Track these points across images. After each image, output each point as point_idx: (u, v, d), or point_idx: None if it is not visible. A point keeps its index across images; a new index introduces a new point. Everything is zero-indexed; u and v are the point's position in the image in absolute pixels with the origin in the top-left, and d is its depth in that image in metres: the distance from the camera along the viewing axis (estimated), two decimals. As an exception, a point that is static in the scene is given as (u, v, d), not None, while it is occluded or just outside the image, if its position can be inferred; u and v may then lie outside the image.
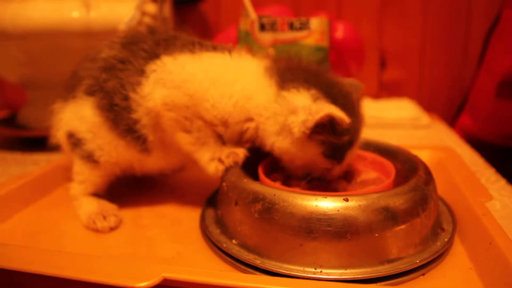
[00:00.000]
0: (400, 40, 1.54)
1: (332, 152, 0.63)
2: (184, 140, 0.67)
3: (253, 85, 0.66)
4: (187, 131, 0.66)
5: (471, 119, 1.39)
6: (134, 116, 0.67)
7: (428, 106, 1.53)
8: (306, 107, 0.60)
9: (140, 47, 0.69)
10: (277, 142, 0.64)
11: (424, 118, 1.35)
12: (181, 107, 0.65)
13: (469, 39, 1.50)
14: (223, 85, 0.65)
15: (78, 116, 0.71)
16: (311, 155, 0.63)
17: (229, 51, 0.69)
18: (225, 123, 0.66)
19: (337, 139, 0.61)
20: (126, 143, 0.70)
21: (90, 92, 0.69)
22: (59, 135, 0.76)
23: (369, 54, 1.51)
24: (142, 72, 0.67)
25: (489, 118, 1.31)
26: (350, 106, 0.63)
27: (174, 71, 0.65)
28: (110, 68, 0.69)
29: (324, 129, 0.60)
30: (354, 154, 0.67)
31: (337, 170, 0.66)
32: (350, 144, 0.64)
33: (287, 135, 0.62)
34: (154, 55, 0.67)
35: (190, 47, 0.68)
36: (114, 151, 0.71)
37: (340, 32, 1.21)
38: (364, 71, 1.29)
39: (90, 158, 0.71)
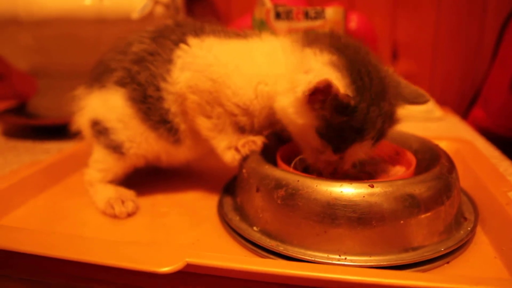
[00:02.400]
0: (413, 32, 1.52)
1: (328, 132, 0.57)
2: (203, 125, 0.67)
3: (275, 60, 0.64)
4: (208, 116, 0.66)
5: (484, 112, 1.38)
6: (166, 105, 0.68)
7: (440, 99, 1.51)
8: (318, 69, 0.56)
9: (168, 39, 0.69)
10: (279, 101, 0.61)
11: (437, 110, 1.34)
12: (204, 91, 0.64)
13: (483, 31, 1.49)
14: (246, 69, 0.64)
15: (107, 106, 0.71)
16: (305, 125, 0.58)
17: (252, 37, 0.68)
18: (247, 112, 0.65)
19: (334, 115, 0.55)
20: (158, 135, 0.70)
21: (121, 84, 0.70)
22: (81, 121, 0.76)
23: (381, 45, 1.50)
24: (170, 61, 0.67)
25: (502, 112, 1.30)
26: (375, 93, 0.56)
27: (200, 55, 0.65)
28: (141, 60, 0.69)
29: (326, 101, 0.54)
30: (362, 152, 0.60)
31: (329, 156, 0.60)
32: (356, 133, 0.56)
33: (291, 94, 0.58)
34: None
35: (216, 34, 0.68)
36: (144, 143, 0.71)
37: (353, 22, 1.20)
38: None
39: (117, 149, 0.71)
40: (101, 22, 1.06)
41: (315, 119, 0.57)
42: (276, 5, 0.97)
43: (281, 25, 0.96)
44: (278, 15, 0.95)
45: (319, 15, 0.95)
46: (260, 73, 0.63)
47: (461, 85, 1.56)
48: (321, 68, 0.56)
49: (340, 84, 0.52)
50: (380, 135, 0.59)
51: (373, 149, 0.60)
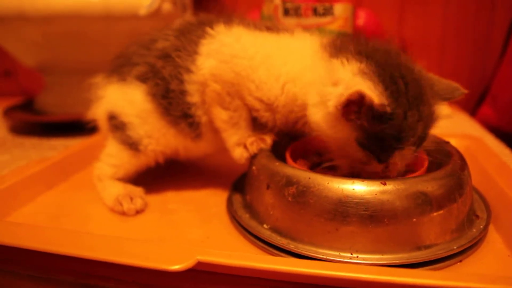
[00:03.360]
0: (420, 29, 1.51)
1: (368, 142, 0.54)
2: (219, 115, 0.66)
3: (303, 63, 0.61)
4: (225, 107, 0.65)
5: (493, 110, 1.37)
6: (189, 99, 0.67)
7: (448, 96, 1.50)
8: (348, 80, 0.52)
9: (193, 34, 0.68)
10: (312, 115, 0.58)
11: (446, 108, 1.33)
12: (226, 82, 0.64)
13: (491, 28, 1.47)
14: (273, 65, 0.62)
15: (125, 100, 0.70)
16: (344, 138, 0.55)
17: (283, 31, 0.67)
18: (270, 107, 0.64)
19: (371, 125, 0.52)
20: (177, 131, 0.70)
21: (142, 79, 0.69)
22: (98, 111, 0.75)
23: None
24: (195, 53, 0.66)
25: (511, 109, 1.29)
26: (412, 96, 0.53)
27: (226, 42, 0.64)
28: (166, 56, 0.68)
29: (361, 110, 0.52)
30: (405, 158, 0.56)
31: (375, 167, 0.57)
32: (398, 140, 0.53)
33: (322, 108, 0.56)
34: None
35: (245, 24, 0.67)
36: (162, 139, 0.71)
37: (361, 19, 1.19)
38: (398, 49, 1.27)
39: (133, 146, 0.71)
40: (108, 18, 1.05)
41: (353, 130, 0.54)
42: (284, 2, 0.96)
43: (290, 21, 0.95)
44: (286, 12, 0.95)
45: (328, 11, 0.94)
46: (289, 72, 0.62)
47: (469, 82, 1.55)
48: (350, 79, 0.52)
49: (373, 93, 0.49)
50: (422, 139, 0.56)
51: (417, 152, 0.57)
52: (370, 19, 1.22)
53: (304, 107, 0.61)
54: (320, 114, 0.57)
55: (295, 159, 0.64)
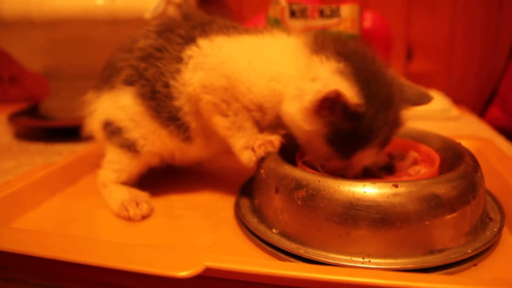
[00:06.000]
0: (428, 30, 1.50)
1: (336, 139, 0.56)
2: (220, 124, 0.65)
3: (286, 60, 0.63)
4: (224, 114, 0.65)
5: (501, 111, 1.35)
6: (176, 103, 0.67)
7: (456, 98, 1.49)
8: (326, 78, 0.55)
9: (176, 34, 0.68)
10: (287, 107, 0.60)
11: (454, 110, 1.32)
12: (219, 89, 0.63)
13: (499, 29, 1.46)
14: (258, 65, 0.63)
15: (117, 106, 0.70)
16: (313, 133, 0.57)
17: (262, 33, 0.67)
18: (261, 108, 0.64)
19: (343, 123, 0.54)
20: (169, 132, 0.70)
21: (129, 82, 0.69)
22: (93, 124, 0.75)
23: (396, 45, 1.48)
24: (180, 59, 0.66)
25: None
26: (383, 100, 0.55)
27: (211, 53, 0.64)
28: (148, 56, 0.68)
29: (335, 108, 0.54)
30: (368, 159, 0.59)
31: (337, 164, 0.59)
32: (363, 140, 0.56)
33: (298, 101, 0.57)
34: (190, 39, 0.67)
35: (225, 31, 0.67)
36: (157, 141, 0.71)
37: (368, 21, 1.19)
38: (390, 62, 1.26)
39: (131, 147, 0.71)
40: (113, 23, 1.05)
41: (324, 126, 0.56)
42: (290, 4, 0.95)
43: (296, 23, 0.94)
44: (293, 14, 0.94)
45: (335, 13, 0.93)
46: (272, 70, 0.63)
47: (477, 84, 1.54)
48: (329, 77, 0.55)
49: (350, 93, 0.51)
50: (386, 141, 0.58)
51: (379, 155, 0.60)
52: (377, 21, 1.21)
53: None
54: (295, 108, 0.58)
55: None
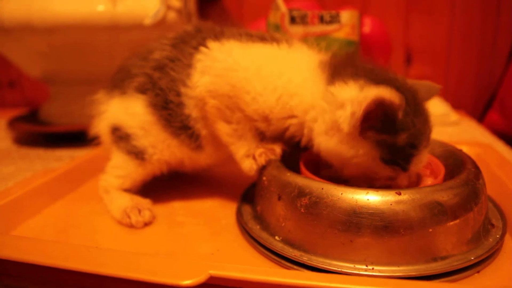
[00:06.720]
0: (427, 36, 1.50)
1: (392, 155, 0.55)
2: (223, 130, 0.65)
3: (300, 79, 0.61)
4: (227, 121, 0.65)
5: (500, 116, 1.36)
6: (187, 111, 0.67)
7: (455, 103, 1.49)
8: (354, 98, 0.52)
9: (189, 45, 0.68)
10: (324, 142, 0.58)
11: (453, 114, 1.32)
12: (223, 96, 0.63)
13: (497, 34, 1.46)
14: (268, 77, 0.62)
15: (128, 112, 0.70)
16: (364, 158, 0.56)
17: (278, 42, 0.65)
18: (265, 119, 0.63)
19: (392, 136, 0.53)
20: (179, 142, 0.70)
21: (142, 90, 0.69)
22: (101, 126, 0.75)
23: (395, 50, 1.48)
24: (190, 66, 0.66)
25: (519, 115, 1.28)
26: (415, 102, 0.55)
27: (219, 58, 0.64)
28: (163, 67, 0.68)
29: (377, 122, 0.52)
30: (422, 162, 0.58)
31: (403, 179, 0.58)
32: (413, 147, 0.55)
33: (334, 133, 0.56)
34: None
35: (238, 37, 0.66)
36: (166, 150, 0.70)
37: (367, 27, 1.19)
38: (389, 67, 1.27)
39: (139, 155, 0.70)
40: (114, 29, 1.05)
41: (373, 149, 0.55)
42: (291, 10, 0.95)
43: (296, 29, 0.94)
44: (293, 20, 0.94)
45: (334, 19, 0.93)
46: (286, 86, 0.61)
47: (476, 89, 1.54)
48: (358, 94, 0.53)
49: (390, 95, 0.50)
50: (429, 140, 0.58)
51: (428, 155, 0.59)
52: (376, 26, 1.21)
53: (295, 118, 0.62)
54: (334, 141, 0.57)
55: (310, 168, 0.63)
